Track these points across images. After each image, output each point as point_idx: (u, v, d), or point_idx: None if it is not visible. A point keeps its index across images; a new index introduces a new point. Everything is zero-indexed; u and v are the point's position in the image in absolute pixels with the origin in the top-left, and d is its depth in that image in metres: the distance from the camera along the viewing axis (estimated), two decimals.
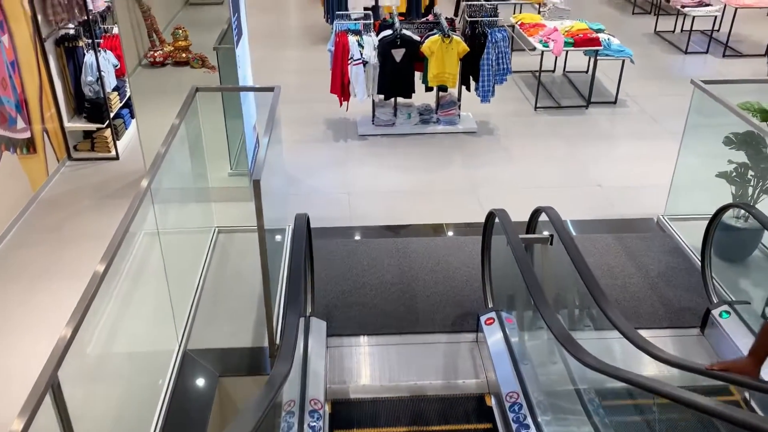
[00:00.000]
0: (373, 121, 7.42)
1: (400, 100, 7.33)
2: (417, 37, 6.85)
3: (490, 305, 4.39)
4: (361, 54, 6.75)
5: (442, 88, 7.27)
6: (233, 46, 5.51)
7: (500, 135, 7.37)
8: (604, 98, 8.25)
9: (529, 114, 7.96)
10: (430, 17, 7.15)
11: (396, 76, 6.92)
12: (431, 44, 6.74)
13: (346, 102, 7.15)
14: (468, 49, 6.81)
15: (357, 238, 5.54)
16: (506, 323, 4.14)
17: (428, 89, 7.25)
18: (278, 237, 5.23)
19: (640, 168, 6.67)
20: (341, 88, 6.99)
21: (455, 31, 6.88)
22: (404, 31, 6.81)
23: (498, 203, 6.01)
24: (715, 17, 9.82)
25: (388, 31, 6.83)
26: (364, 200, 6.10)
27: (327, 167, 6.71)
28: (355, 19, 7.01)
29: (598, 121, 7.81)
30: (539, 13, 9.45)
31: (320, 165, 6.75)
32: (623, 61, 7.99)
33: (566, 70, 9.10)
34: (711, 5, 9.77)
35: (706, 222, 5.33)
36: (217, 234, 5.49)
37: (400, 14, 8.54)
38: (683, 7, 9.93)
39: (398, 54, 6.78)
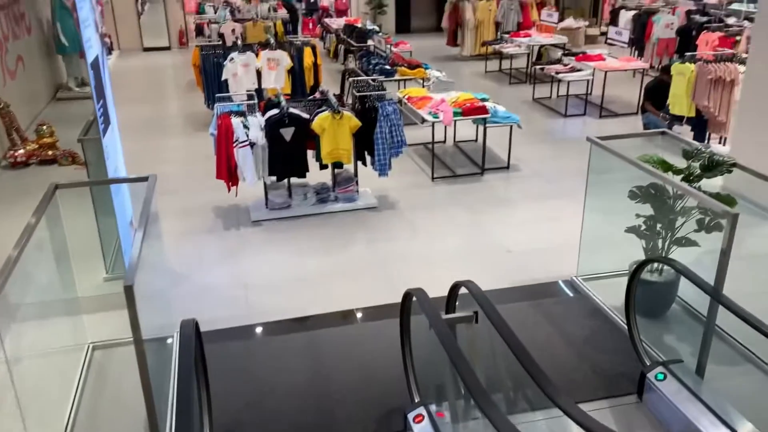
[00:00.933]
0: (266, 205, 6.92)
1: (294, 180, 6.92)
2: (306, 115, 6.54)
3: (417, 399, 3.90)
4: (247, 135, 6.33)
5: (338, 165, 6.95)
6: (100, 136, 4.91)
7: (402, 208, 7.10)
8: (497, 164, 8.26)
9: (427, 185, 7.79)
10: (317, 95, 6.89)
11: (287, 156, 6.53)
12: (322, 121, 6.44)
13: (234, 187, 6.64)
14: (360, 124, 6.57)
15: (258, 336, 4.93)
16: (437, 418, 3.65)
17: (323, 167, 6.90)
18: (164, 347, 4.52)
19: (546, 229, 6.57)
20: (228, 172, 6.48)
21: (345, 107, 6.64)
22: (291, 110, 6.48)
23: (409, 279, 5.65)
24: (588, 81, 10.32)
25: (275, 111, 6.48)
26: (264, 292, 5.52)
27: (218, 260, 6.10)
28: (239, 102, 6.62)
29: (495, 187, 7.75)
30: (423, 86, 9.52)
31: (211, 258, 6.12)
32: (511, 127, 8.08)
33: (456, 140, 9.12)
34: (582, 70, 10.28)
35: (620, 279, 5.21)
36: (92, 351, 4.70)
37: (286, 95, 8.26)
38: (557, 73, 10.38)
39: (287, 133, 6.42)
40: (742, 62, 7.95)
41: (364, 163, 6.99)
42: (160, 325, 4.47)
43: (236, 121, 6.33)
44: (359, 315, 5.16)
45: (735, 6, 13.64)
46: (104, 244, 5.69)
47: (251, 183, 6.52)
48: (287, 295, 5.48)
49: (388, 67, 9.77)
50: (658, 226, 4.76)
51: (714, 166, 4.49)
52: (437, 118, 7.60)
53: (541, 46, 12.29)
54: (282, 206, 6.91)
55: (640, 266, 4.25)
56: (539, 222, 6.77)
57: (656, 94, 9.17)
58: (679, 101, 8.39)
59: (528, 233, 6.51)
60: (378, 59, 10.21)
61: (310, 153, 6.79)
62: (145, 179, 4.31)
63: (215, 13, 14.94)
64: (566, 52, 11.46)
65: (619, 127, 9.77)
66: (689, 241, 4.64)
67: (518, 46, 12.47)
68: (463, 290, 3.85)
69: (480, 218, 6.88)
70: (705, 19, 11.63)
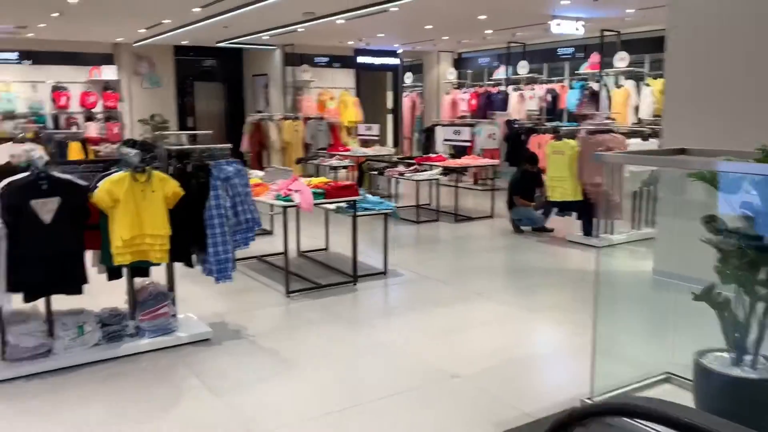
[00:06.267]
0: (3, 353, 3.73)
1: (58, 301, 3.87)
2: (82, 182, 3.74)
3: None
4: None
5: (139, 271, 4.10)
6: None
7: (253, 335, 4.37)
8: (368, 270, 5.99)
9: (282, 302, 5.18)
10: (102, 154, 4.15)
11: (46, 253, 3.56)
12: (113, 186, 3.68)
13: None
14: (182, 191, 3.93)
15: None
16: None
17: (113, 275, 4.00)
18: None
19: (483, 339, 4.37)
20: None
21: (155, 163, 3.98)
22: (56, 173, 3.65)
23: None
24: (437, 181, 8.83)
25: (25, 174, 3.59)
26: None
27: None
28: None
29: (380, 295, 5.47)
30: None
31: None
32: (385, 220, 5.97)
33: (302, 250, 6.74)
34: (430, 170, 8.77)
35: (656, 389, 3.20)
36: None
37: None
38: (401, 174, 8.77)
39: (46, 209, 3.53)
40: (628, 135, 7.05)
41: (188, 263, 4.22)
42: None
43: None
44: None
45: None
46: None
47: None
48: None
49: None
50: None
51: None
52: (290, 200, 5.22)
53: (365, 160, 10.78)
54: (36, 352, 3.78)
55: None
56: (467, 331, 4.56)
57: (523, 185, 7.92)
58: (560, 184, 7.10)
59: (462, 348, 4.22)
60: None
61: (88, 255, 3.91)
62: None
63: None
64: (399, 159, 10.04)
65: (480, 229, 8.27)
66: None
67: (341, 158, 10.82)
68: None
69: (381, 336, 4.44)
70: (530, 124, 11.21)
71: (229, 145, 4.50)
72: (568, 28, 11.01)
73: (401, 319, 4.81)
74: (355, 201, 5.52)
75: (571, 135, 7.12)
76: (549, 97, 13.67)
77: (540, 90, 13.82)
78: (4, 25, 11.39)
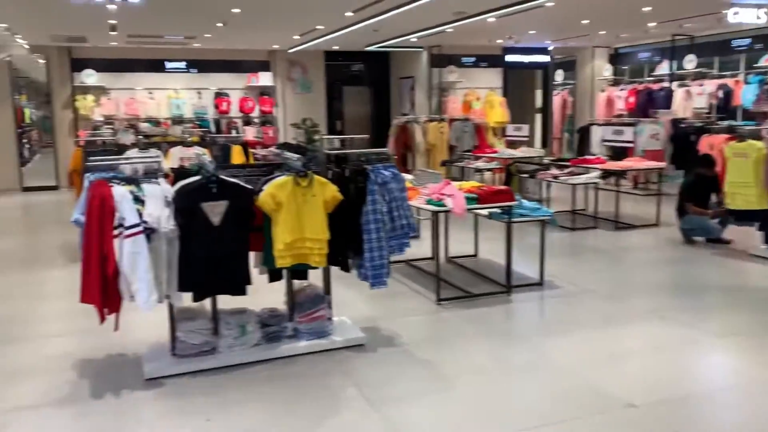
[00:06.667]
0: (173, 349, 3.90)
1: (223, 301, 3.99)
2: (248, 185, 3.82)
3: None
4: (141, 216, 3.48)
5: (299, 273, 4.13)
6: None
7: (407, 345, 4.25)
8: (523, 281, 5.67)
9: (432, 310, 5.03)
10: (260, 155, 4.25)
11: (214, 254, 3.67)
12: (277, 190, 3.72)
13: (114, 315, 3.64)
14: (341, 196, 3.90)
15: None
16: None
17: (274, 277, 4.06)
18: None
19: (662, 365, 3.92)
20: (102, 287, 3.51)
21: (315, 167, 3.98)
22: (224, 177, 3.75)
23: None
24: (595, 185, 8.27)
25: (196, 177, 3.72)
26: None
27: None
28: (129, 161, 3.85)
29: (539, 309, 5.17)
30: None
31: None
32: (542, 230, 5.62)
33: (450, 256, 6.55)
34: (587, 173, 8.22)
35: None
36: None
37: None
38: (556, 177, 8.30)
39: (216, 211, 3.63)
40: None
41: (345, 268, 4.19)
42: None
43: (121, 192, 3.51)
44: None
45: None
46: None
47: (145, 305, 3.54)
48: None
49: None
50: None
51: None
52: (442, 205, 5.06)
53: (513, 162, 10.39)
54: (201, 350, 3.91)
55: None
56: (639, 354, 4.15)
57: (697, 191, 7.15)
58: (742, 191, 6.31)
59: (636, 373, 3.82)
60: None
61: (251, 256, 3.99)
62: None
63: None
64: (551, 162, 9.55)
65: (644, 238, 7.61)
66: None
67: (487, 160, 10.50)
68: None
69: (541, 354, 4.14)
70: (700, 123, 10.20)
71: (386, 150, 4.40)
72: (747, 16, 9.85)
73: (563, 337, 4.45)
74: (510, 207, 5.24)
75: (756, 135, 6.31)
76: (720, 94, 12.40)
77: (710, 86, 12.58)
78: (176, 36, 12.34)
